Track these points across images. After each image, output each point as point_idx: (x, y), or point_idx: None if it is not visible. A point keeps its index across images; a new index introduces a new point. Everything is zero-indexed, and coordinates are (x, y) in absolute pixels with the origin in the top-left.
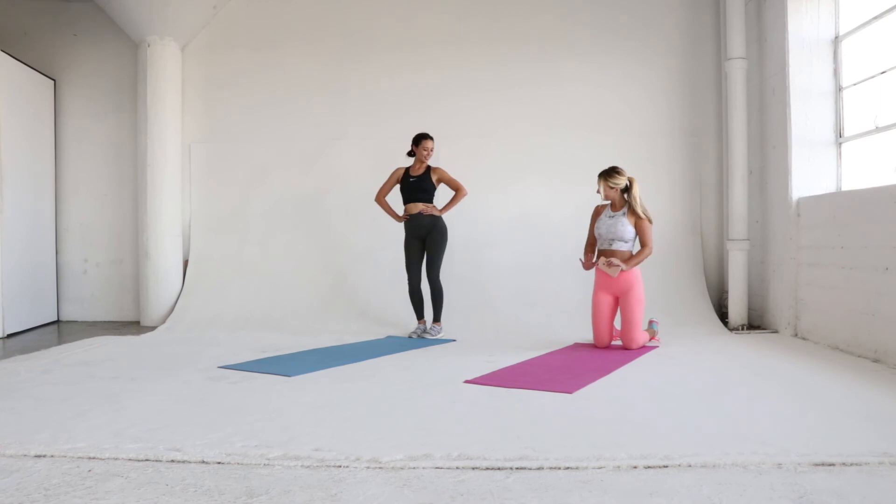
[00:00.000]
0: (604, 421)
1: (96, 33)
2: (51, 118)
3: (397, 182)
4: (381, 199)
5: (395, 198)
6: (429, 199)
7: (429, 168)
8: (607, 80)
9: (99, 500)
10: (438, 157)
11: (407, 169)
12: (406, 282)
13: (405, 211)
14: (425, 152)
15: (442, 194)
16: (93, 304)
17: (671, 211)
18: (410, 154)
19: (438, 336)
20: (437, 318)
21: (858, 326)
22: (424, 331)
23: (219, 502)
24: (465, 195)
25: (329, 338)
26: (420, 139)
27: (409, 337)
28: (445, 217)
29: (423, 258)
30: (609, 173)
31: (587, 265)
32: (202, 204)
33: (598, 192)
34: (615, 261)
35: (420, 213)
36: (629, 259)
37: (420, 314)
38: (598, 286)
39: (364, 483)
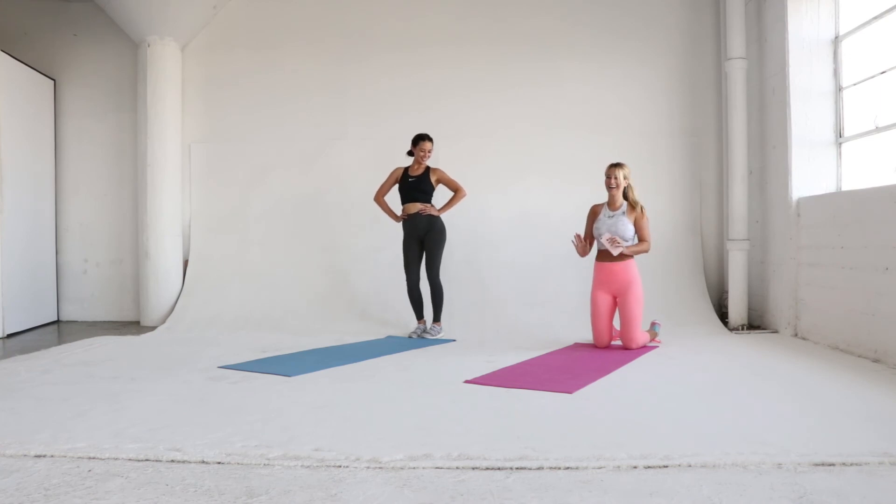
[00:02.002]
0: (604, 421)
1: (96, 33)
2: (51, 118)
3: (396, 182)
4: (379, 198)
5: (394, 198)
6: (427, 199)
7: (428, 168)
8: (607, 80)
9: (99, 500)
10: (438, 158)
11: (406, 169)
12: (405, 282)
13: (403, 211)
14: (423, 153)
15: (441, 195)
16: (93, 304)
17: (671, 211)
18: (410, 154)
19: (438, 336)
20: (437, 318)
21: (858, 326)
22: (424, 331)
23: (219, 502)
24: (464, 196)
25: (329, 338)
26: (418, 140)
27: (409, 337)
28: (445, 217)
29: (421, 258)
30: (620, 164)
31: (582, 251)
32: (202, 204)
33: (614, 181)
34: (619, 239)
35: (418, 213)
36: (628, 248)
37: (419, 314)
38: (597, 285)
39: (364, 483)
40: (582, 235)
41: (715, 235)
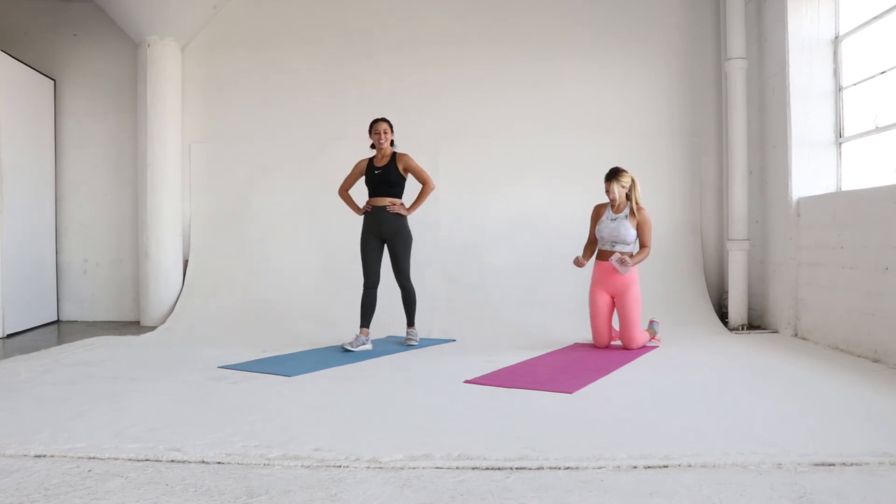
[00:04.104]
0: (604, 421)
1: (96, 33)
2: (51, 118)
3: (361, 175)
4: (343, 192)
5: (360, 192)
6: (397, 193)
7: (394, 156)
8: (607, 80)
9: (99, 500)
10: (438, 157)
11: (371, 160)
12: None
13: (368, 203)
14: (377, 136)
15: (414, 190)
16: (93, 304)
17: (671, 211)
18: (373, 146)
19: (416, 340)
20: (411, 323)
21: (858, 326)
22: (363, 342)
23: (219, 502)
24: (432, 189)
25: (329, 338)
26: (372, 124)
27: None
28: (445, 216)
29: (382, 257)
30: (616, 174)
31: (581, 264)
32: (202, 204)
33: (610, 195)
34: (627, 258)
35: (385, 208)
36: (633, 261)
37: (366, 322)
38: (596, 284)
39: (364, 483)
40: (585, 236)
41: (715, 235)
